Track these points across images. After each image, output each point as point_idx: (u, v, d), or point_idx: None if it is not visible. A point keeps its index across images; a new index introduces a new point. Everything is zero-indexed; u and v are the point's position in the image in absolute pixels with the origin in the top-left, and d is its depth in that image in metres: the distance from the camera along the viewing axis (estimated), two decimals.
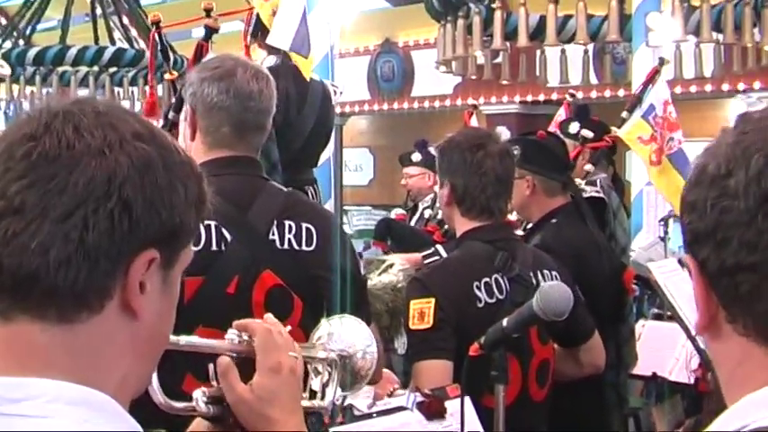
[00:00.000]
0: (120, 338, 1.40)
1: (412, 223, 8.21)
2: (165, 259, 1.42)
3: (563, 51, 10.25)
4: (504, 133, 15.72)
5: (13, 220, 1.31)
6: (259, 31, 5.25)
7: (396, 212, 9.07)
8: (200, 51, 4.99)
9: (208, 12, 5.04)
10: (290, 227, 3.11)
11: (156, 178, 1.37)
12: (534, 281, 3.80)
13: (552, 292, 3.00)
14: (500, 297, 3.66)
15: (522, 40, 9.45)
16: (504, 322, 3.01)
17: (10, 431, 1.29)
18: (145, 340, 1.45)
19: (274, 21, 5.08)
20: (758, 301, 1.24)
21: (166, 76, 5.71)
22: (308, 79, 5.02)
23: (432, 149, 8.91)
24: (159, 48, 5.49)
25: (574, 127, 6.55)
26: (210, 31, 5.00)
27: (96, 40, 13.16)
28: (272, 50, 5.19)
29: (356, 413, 2.85)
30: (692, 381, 5.12)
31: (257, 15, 5.23)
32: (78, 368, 1.35)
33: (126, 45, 12.99)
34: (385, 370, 3.75)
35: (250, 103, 3.17)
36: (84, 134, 1.34)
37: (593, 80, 11.21)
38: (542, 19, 9.43)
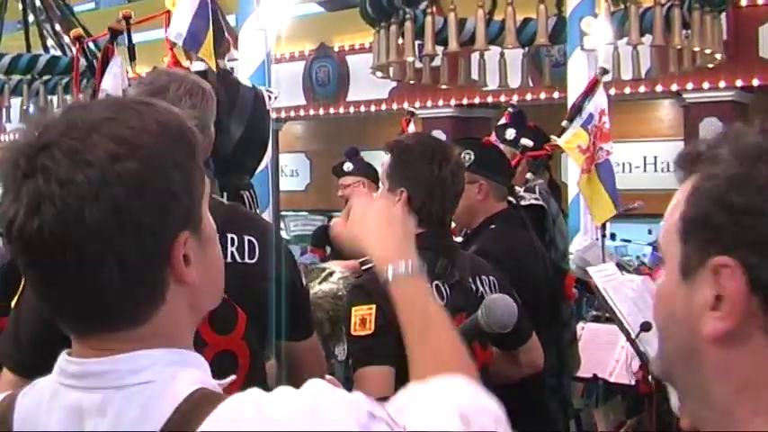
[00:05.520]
0: (185, 306, 1.57)
1: None
2: (193, 226, 1.56)
3: (502, 55, 10.27)
4: (440, 136, 15.84)
5: (60, 282, 1.47)
6: None
7: (334, 220, 9.05)
8: (106, 54, 4.96)
9: (127, 19, 5.03)
10: (232, 240, 3.08)
11: (151, 186, 1.47)
12: (473, 287, 3.81)
13: (497, 306, 3.00)
14: (441, 303, 3.65)
15: (453, 44, 9.47)
16: None
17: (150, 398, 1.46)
18: (204, 291, 1.62)
19: (173, 15, 5.05)
20: None
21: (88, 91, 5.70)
22: (238, 83, 4.98)
23: (364, 157, 8.93)
24: (85, 63, 5.47)
25: (510, 133, 6.56)
26: (115, 34, 4.97)
27: (28, 47, 13.04)
28: (195, 57, 5.15)
29: None
30: (633, 382, 5.15)
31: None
32: (165, 340, 1.53)
33: (59, 52, 12.88)
34: (329, 376, 3.72)
35: None
36: (71, 187, 1.42)
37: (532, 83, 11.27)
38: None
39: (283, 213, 19.92)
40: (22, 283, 2.98)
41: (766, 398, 1.27)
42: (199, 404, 1.45)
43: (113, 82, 4.86)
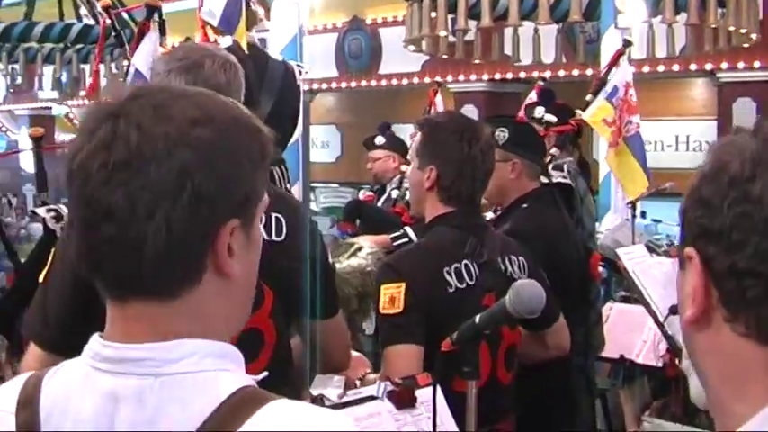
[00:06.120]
0: (220, 298, 1.57)
1: (379, 204, 8.20)
2: (245, 221, 1.57)
3: (536, 30, 10.22)
4: (471, 112, 15.79)
5: (105, 226, 1.46)
6: None
7: (364, 193, 9.05)
8: (142, 31, 4.95)
9: None
10: (259, 217, 3.07)
11: (221, 161, 1.49)
12: (502, 266, 3.81)
13: (525, 291, 2.99)
14: (470, 282, 3.65)
15: (486, 19, 9.41)
16: (477, 319, 3.00)
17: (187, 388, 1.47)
18: (240, 291, 1.63)
19: None
20: (765, 304, 1.25)
21: (125, 63, 5.72)
22: (267, 57, 4.97)
23: (395, 130, 8.92)
24: (113, 33, 5.49)
25: (539, 111, 6.53)
26: (152, 10, 4.96)
27: (62, 15, 13.06)
28: (224, 32, 5.15)
29: (327, 403, 2.85)
30: (660, 364, 5.14)
31: None
32: (198, 329, 1.52)
33: (92, 21, 12.89)
34: (356, 353, 3.73)
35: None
36: (148, 134, 1.45)
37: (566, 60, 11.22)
38: None
39: (314, 185, 19.92)
40: (50, 258, 2.99)
41: (747, 387, 1.29)
42: (243, 403, 1.46)
43: (145, 58, 4.88)
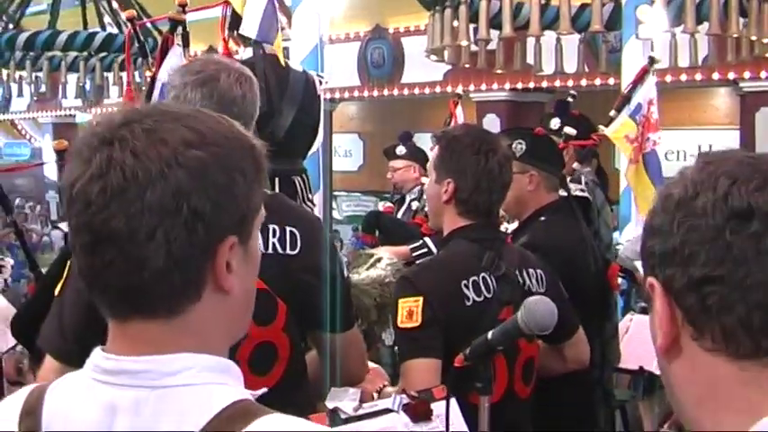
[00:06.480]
0: (219, 313, 1.60)
1: (399, 215, 8.19)
2: (243, 237, 1.59)
3: (558, 40, 10.20)
4: (493, 122, 15.76)
5: (107, 250, 1.50)
6: (235, 24, 5.21)
7: (383, 205, 9.05)
8: (166, 44, 4.97)
9: (183, 7, 5.03)
10: (273, 230, 3.07)
11: (215, 180, 1.52)
12: (520, 279, 3.81)
13: (537, 308, 3.00)
14: (488, 296, 3.65)
15: (507, 29, 9.39)
16: (489, 335, 3.01)
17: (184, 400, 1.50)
18: (239, 306, 1.65)
19: (245, 10, 5.06)
20: (726, 312, 1.29)
21: (147, 73, 5.73)
22: (288, 68, 4.99)
23: (416, 141, 8.91)
24: (137, 44, 5.50)
25: (555, 123, 6.51)
26: (175, 24, 4.97)
27: (85, 24, 13.13)
28: (247, 43, 5.17)
29: (342, 416, 2.85)
30: None
31: (232, 9, 5.20)
32: (197, 344, 1.55)
33: (116, 29, 12.96)
34: (375, 365, 3.73)
35: (233, 108, 3.06)
36: (143, 159, 1.49)
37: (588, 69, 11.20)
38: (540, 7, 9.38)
39: (336, 194, 19.94)
40: (66, 271, 3.02)
41: (724, 412, 1.32)
42: (235, 417, 1.48)
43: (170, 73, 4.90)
